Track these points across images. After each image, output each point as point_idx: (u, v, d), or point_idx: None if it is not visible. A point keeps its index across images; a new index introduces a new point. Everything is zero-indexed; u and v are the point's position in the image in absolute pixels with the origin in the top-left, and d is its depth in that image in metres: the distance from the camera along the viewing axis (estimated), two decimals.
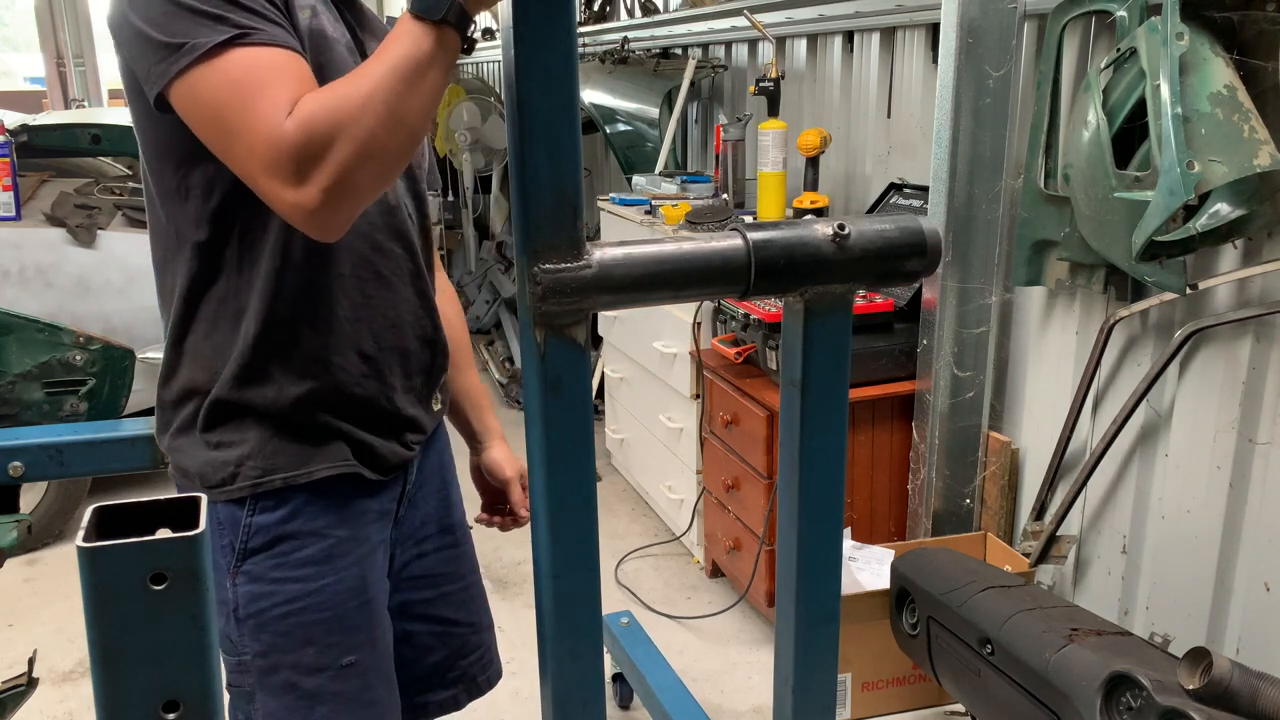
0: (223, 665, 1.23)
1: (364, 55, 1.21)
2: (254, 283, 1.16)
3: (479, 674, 1.49)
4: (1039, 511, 2.35)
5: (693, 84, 3.95)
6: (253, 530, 1.19)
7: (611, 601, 2.99)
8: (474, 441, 1.55)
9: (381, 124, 0.98)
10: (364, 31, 1.25)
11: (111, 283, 3.37)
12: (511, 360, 4.97)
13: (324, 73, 1.10)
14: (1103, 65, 1.93)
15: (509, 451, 1.55)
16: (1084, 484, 2.23)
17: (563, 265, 0.83)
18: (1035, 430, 2.45)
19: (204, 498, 0.63)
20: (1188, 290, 1.92)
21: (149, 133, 1.14)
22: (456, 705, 1.47)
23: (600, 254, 0.86)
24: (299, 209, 0.99)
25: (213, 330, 1.18)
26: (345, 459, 1.22)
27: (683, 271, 0.90)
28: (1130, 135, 1.88)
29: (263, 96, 0.98)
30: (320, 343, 1.19)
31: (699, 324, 2.94)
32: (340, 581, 1.23)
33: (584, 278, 0.84)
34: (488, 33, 6.88)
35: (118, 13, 1.07)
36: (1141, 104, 1.82)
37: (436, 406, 1.35)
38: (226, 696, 1.25)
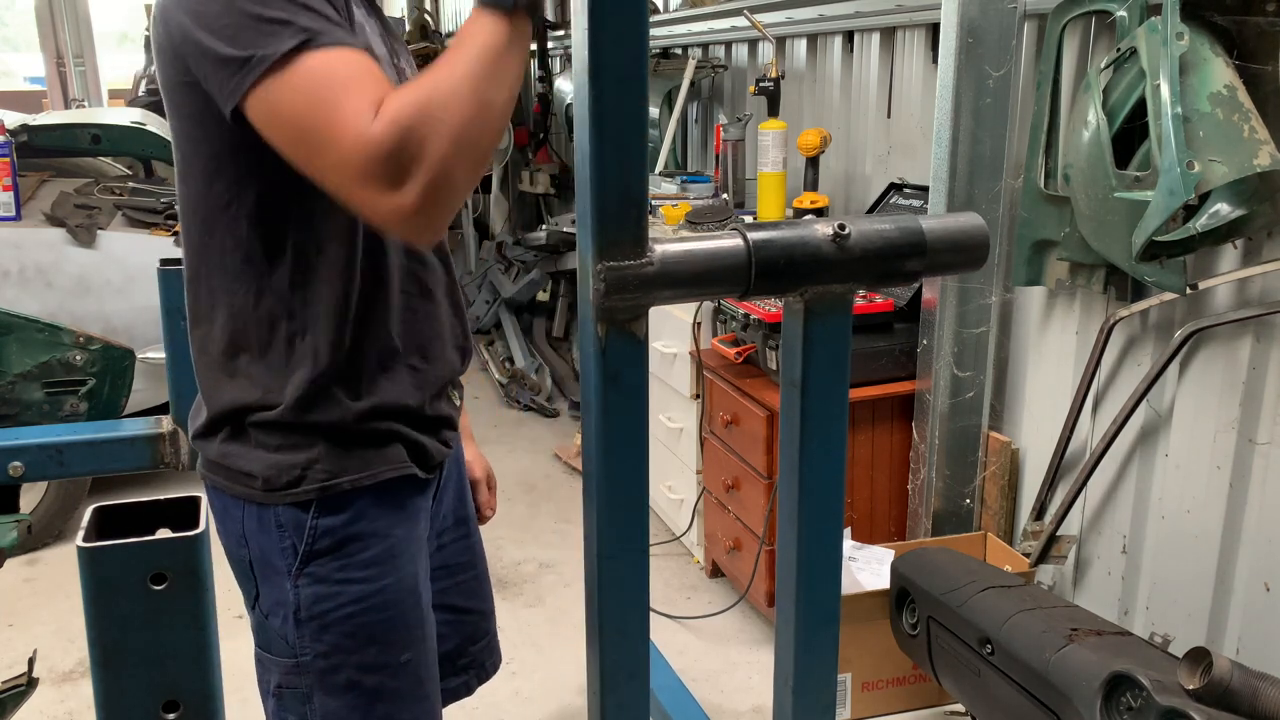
0: (272, 667, 1.23)
1: (396, 68, 1.22)
2: (315, 305, 1.14)
3: (486, 659, 1.53)
4: (1039, 511, 2.35)
5: (693, 84, 3.95)
6: (319, 532, 1.19)
7: None
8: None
9: (471, 116, 0.97)
10: (396, 43, 1.26)
11: (111, 283, 3.37)
12: (511, 360, 4.97)
13: None
14: (1103, 65, 1.93)
15: (477, 452, 1.59)
16: (1084, 484, 2.23)
17: (626, 263, 0.85)
18: (1035, 430, 2.45)
19: (203, 498, 0.63)
20: (1188, 290, 1.92)
21: (200, 146, 1.11)
22: (468, 690, 1.51)
23: (662, 250, 0.87)
24: (399, 213, 0.96)
25: (266, 350, 1.16)
26: (403, 460, 1.23)
27: (688, 269, 0.91)
28: (1130, 135, 1.88)
29: (344, 102, 0.96)
30: (379, 362, 1.20)
31: (699, 324, 2.94)
32: (400, 581, 1.24)
33: (646, 274, 0.86)
34: None
35: (178, 27, 1.03)
36: (1141, 104, 1.82)
37: (457, 401, 1.38)
38: (270, 701, 1.26)
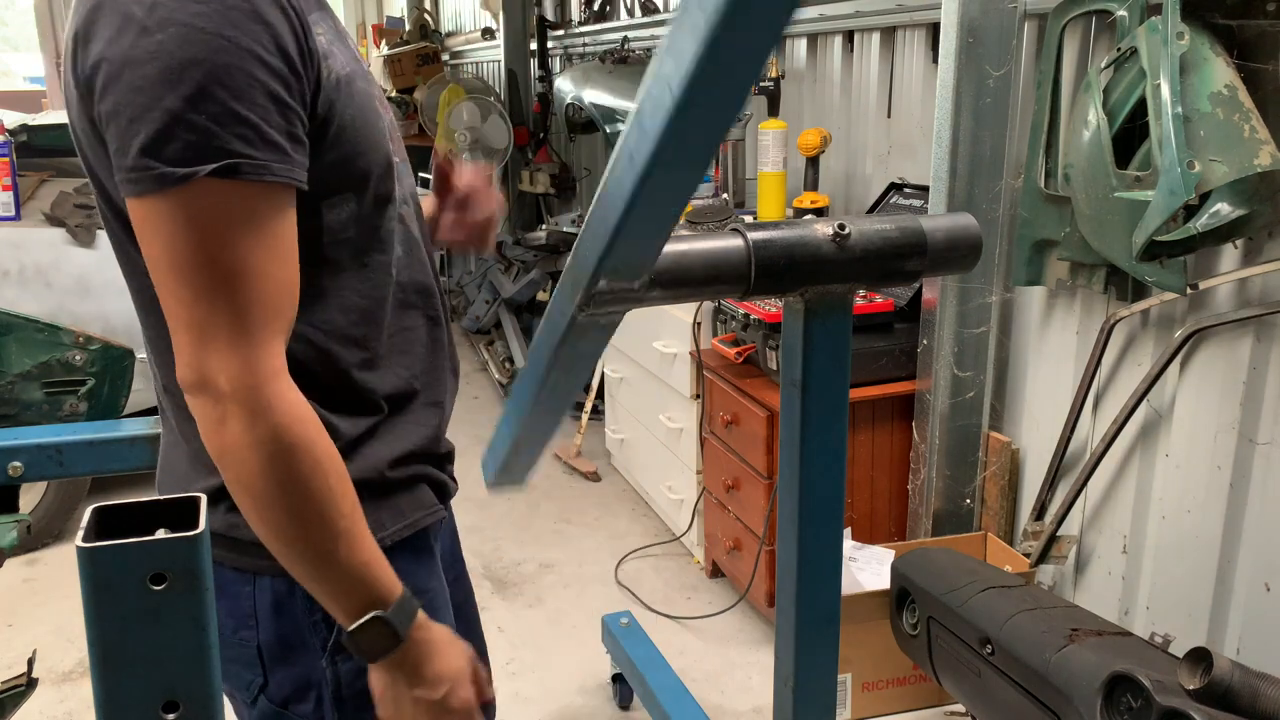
0: None
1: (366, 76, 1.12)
2: (341, 359, 1.04)
3: (489, 708, 1.45)
4: (1039, 511, 2.35)
5: None
6: None
7: (611, 602, 2.99)
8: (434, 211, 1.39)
9: (286, 519, 0.92)
10: (349, 40, 1.16)
11: (111, 283, 3.37)
12: (511, 360, 4.97)
13: (358, 124, 0.99)
14: (1103, 65, 1.93)
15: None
16: (1084, 484, 2.23)
17: (621, 287, 0.83)
18: (1035, 430, 2.45)
19: (203, 498, 0.63)
20: (1188, 290, 1.92)
21: None
22: None
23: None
24: (205, 426, 0.91)
25: None
26: (433, 504, 1.15)
27: (688, 269, 0.90)
28: (1130, 135, 1.88)
29: (255, 306, 0.88)
30: (400, 405, 1.12)
31: (699, 324, 2.94)
32: None
33: (639, 296, 0.85)
34: (487, 32, 6.88)
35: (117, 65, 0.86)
36: (1142, 104, 1.82)
37: (445, 429, 1.31)
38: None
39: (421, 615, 1.02)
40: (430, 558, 1.16)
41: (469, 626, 1.36)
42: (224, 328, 0.88)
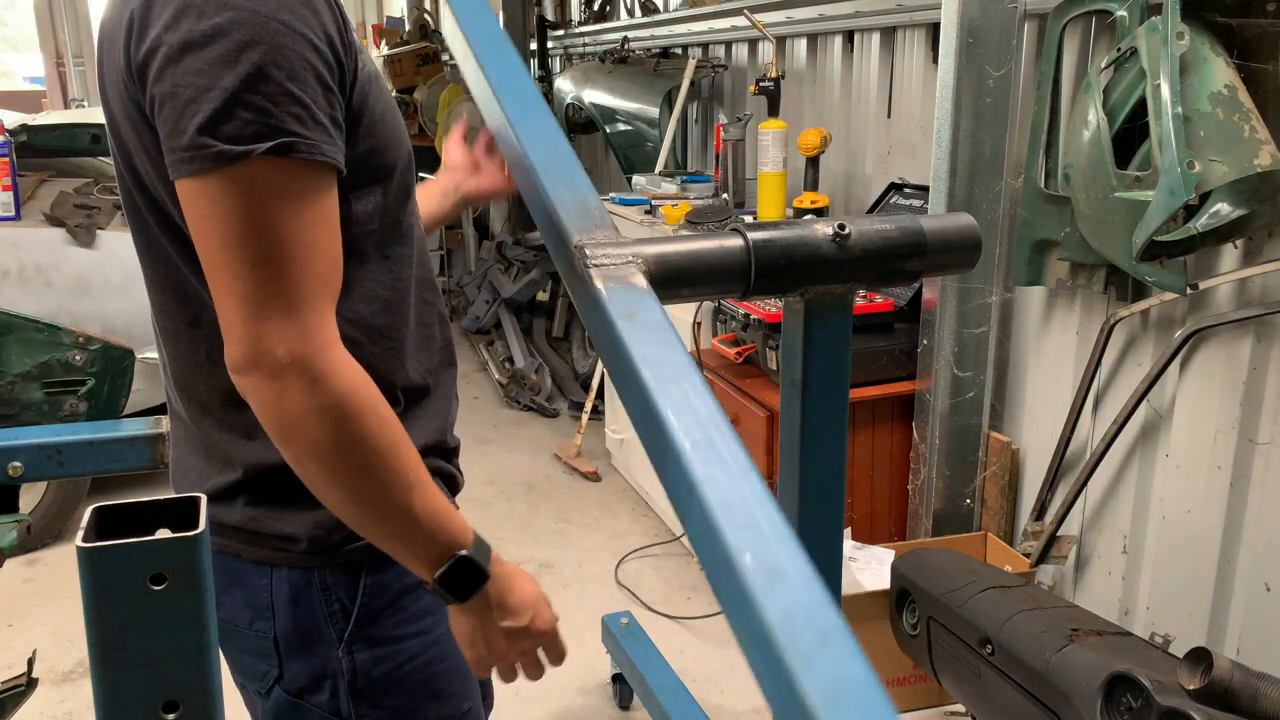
0: None
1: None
2: (365, 349, 1.05)
3: (490, 690, 1.43)
4: (1039, 511, 2.35)
5: (693, 84, 3.95)
6: (373, 590, 1.08)
7: (611, 602, 2.99)
8: (442, 195, 1.47)
9: (351, 484, 0.93)
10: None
11: (111, 283, 3.37)
12: (511, 360, 4.97)
13: (388, 118, 1.02)
14: (1103, 65, 1.93)
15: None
16: (1084, 484, 2.23)
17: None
18: (1035, 430, 2.45)
19: (203, 498, 0.63)
20: (1188, 290, 1.92)
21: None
22: None
23: (662, 251, 0.87)
24: (255, 396, 0.91)
25: None
26: (447, 496, 1.15)
27: (688, 269, 0.90)
28: (1130, 135, 1.88)
29: (301, 288, 0.89)
30: (424, 403, 1.13)
31: (699, 324, 2.94)
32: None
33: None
34: None
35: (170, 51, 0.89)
36: (1142, 104, 1.82)
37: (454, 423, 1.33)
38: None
39: (494, 553, 1.04)
40: None
41: None
42: (280, 299, 0.89)
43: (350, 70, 0.95)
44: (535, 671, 1.10)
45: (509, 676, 1.10)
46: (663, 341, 0.68)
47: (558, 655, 1.12)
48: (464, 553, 0.99)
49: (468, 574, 0.99)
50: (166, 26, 0.87)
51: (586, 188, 0.85)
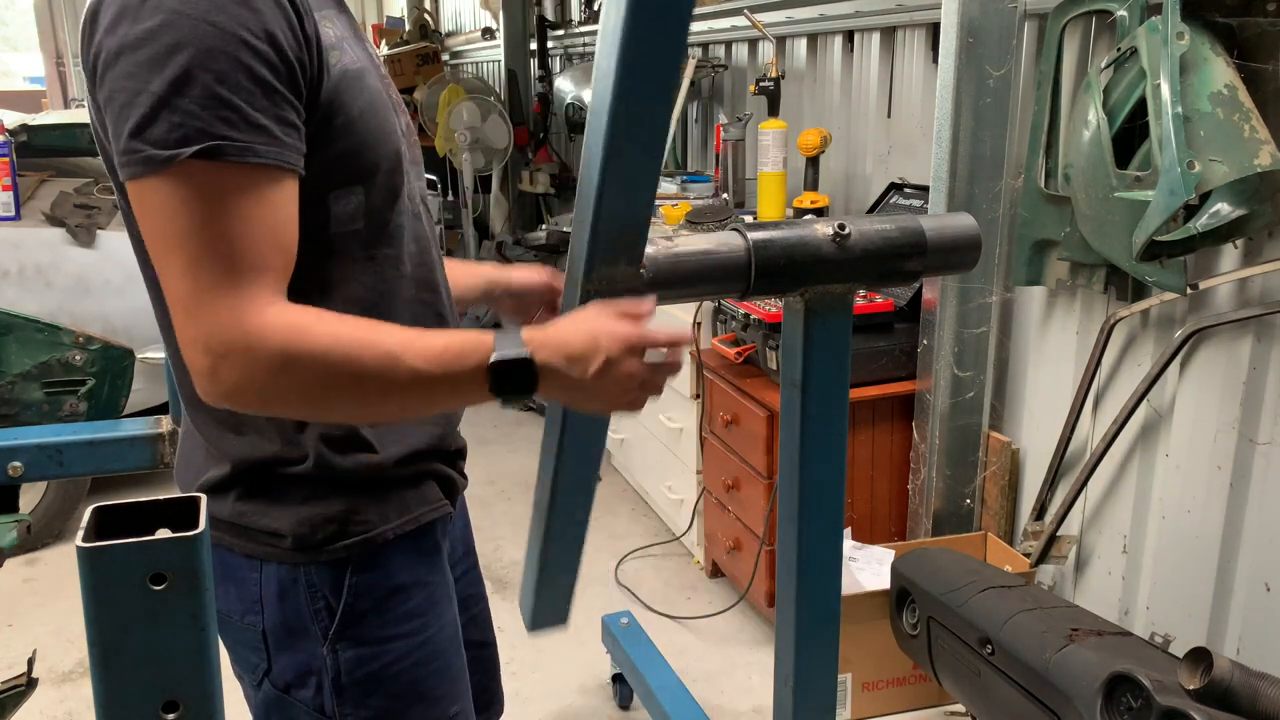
0: None
1: (379, 74, 1.11)
2: None
3: (498, 694, 1.44)
4: (1039, 511, 2.35)
5: (693, 83, 3.95)
6: (359, 590, 1.08)
7: (611, 602, 2.99)
8: (489, 285, 1.36)
9: (354, 406, 0.93)
10: (366, 43, 1.15)
11: (111, 283, 3.37)
12: None
13: (368, 117, 1.00)
14: (1103, 65, 1.93)
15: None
16: (1084, 484, 2.23)
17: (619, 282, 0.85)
18: (1035, 430, 2.45)
19: (203, 498, 0.63)
20: (1188, 290, 1.92)
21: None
22: None
23: (662, 251, 0.88)
24: (208, 388, 0.91)
25: None
26: (440, 499, 1.15)
27: (688, 269, 0.90)
28: (1130, 135, 1.88)
29: (241, 271, 0.88)
30: None
31: (699, 324, 2.94)
32: (442, 629, 1.15)
33: (638, 289, 0.87)
34: (487, 32, 6.88)
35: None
36: (1142, 104, 1.82)
37: (456, 425, 1.31)
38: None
39: (524, 330, 0.99)
40: (434, 552, 1.17)
41: (478, 622, 1.37)
42: (209, 291, 0.89)
43: (312, 67, 0.93)
44: (654, 389, 1.05)
45: (638, 404, 1.05)
46: None
47: (667, 357, 1.05)
48: (491, 360, 0.95)
49: (511, 372, 0.96)
50: (106, 30, 0.88)
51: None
